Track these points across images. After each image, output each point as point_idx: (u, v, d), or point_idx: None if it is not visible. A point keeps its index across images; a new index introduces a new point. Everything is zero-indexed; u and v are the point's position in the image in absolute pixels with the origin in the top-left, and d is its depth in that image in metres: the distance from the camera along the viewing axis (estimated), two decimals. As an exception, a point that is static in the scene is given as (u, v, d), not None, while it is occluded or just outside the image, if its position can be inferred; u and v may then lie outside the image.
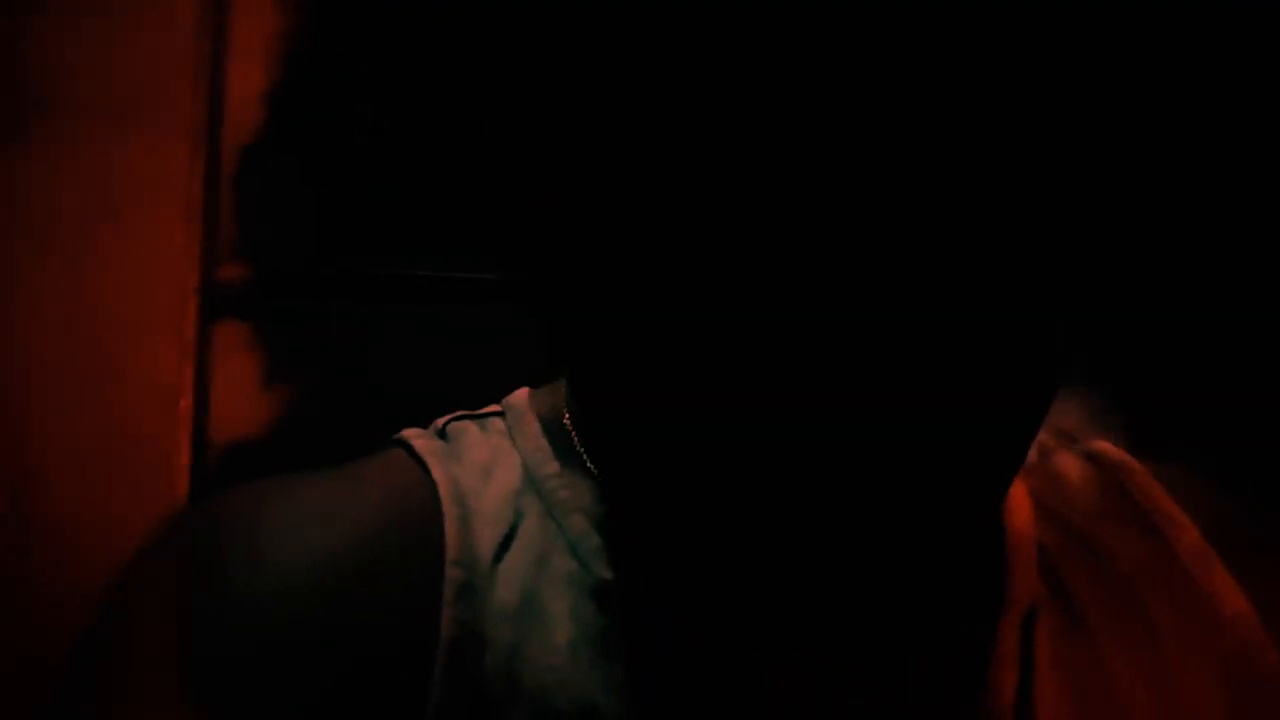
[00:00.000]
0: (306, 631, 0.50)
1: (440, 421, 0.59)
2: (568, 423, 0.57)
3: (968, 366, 0.45)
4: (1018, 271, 0.44)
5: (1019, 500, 0.57)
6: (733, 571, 0.50)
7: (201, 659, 0.49)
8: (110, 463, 1.07)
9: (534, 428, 0.57)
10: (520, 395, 0.59)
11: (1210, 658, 0.56)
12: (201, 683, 0.49)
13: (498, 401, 0.60)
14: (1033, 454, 0.58)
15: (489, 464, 0.56)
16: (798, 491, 0.45)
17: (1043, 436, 0.58)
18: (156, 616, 0.51)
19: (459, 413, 0.59)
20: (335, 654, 0.49)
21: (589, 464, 0.55)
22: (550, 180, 0.46)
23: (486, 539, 0.53)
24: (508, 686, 0.50)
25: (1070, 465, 0.61)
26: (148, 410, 1.06)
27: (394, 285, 0.85)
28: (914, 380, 0.44)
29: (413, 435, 0.57)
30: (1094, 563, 0.58)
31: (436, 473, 0.54)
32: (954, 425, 0.45)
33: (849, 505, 0.45)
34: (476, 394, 0.61)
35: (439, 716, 0.49)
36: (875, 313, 0.43)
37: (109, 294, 1.05)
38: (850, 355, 0.43)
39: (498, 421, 0.58)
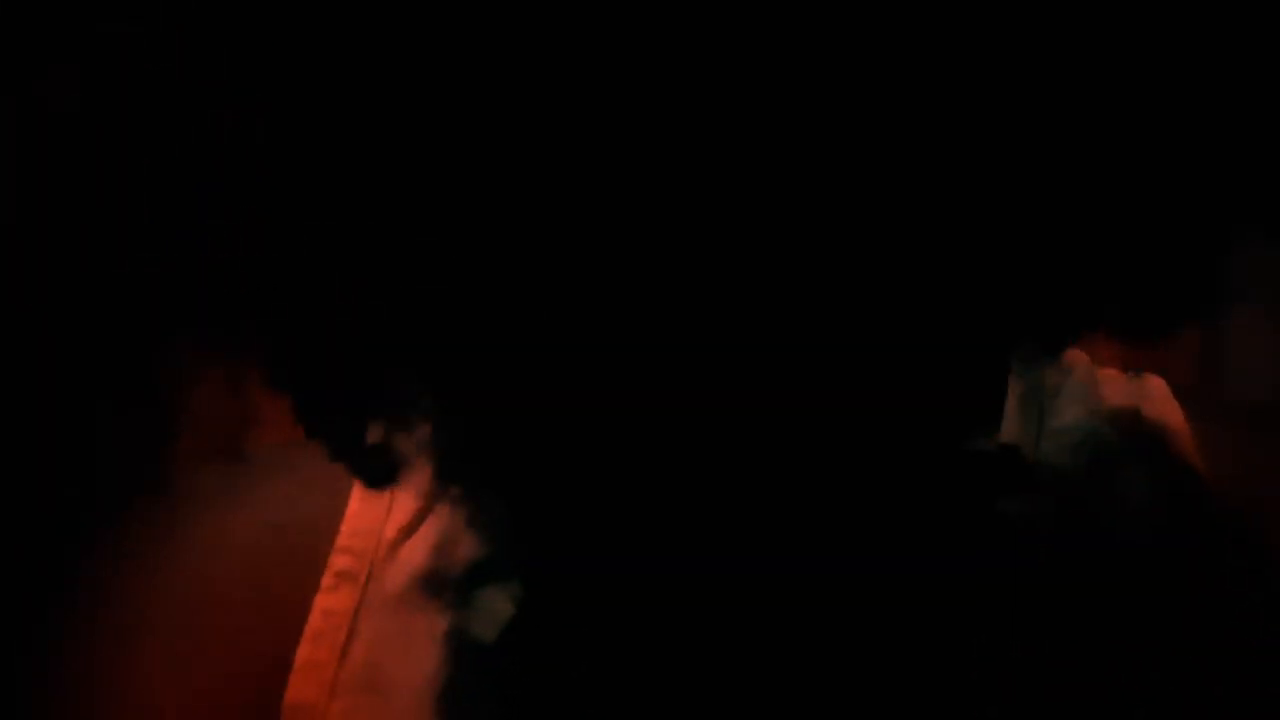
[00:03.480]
0: (197, 628, 0.49)
1: None
2: None
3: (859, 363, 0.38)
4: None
5: None
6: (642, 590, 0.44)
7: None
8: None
9: None
10: None
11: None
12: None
13: None
14: None
15: None
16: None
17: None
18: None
19: None
20: (221, 647, 0.49)
21: None
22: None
23: (396, 520, 0.50)
24: (371, 677, 0.48)
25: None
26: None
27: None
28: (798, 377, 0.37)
29: None
30: None
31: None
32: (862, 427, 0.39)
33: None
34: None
35: (296, 708, 0.47)
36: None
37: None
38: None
39: None
